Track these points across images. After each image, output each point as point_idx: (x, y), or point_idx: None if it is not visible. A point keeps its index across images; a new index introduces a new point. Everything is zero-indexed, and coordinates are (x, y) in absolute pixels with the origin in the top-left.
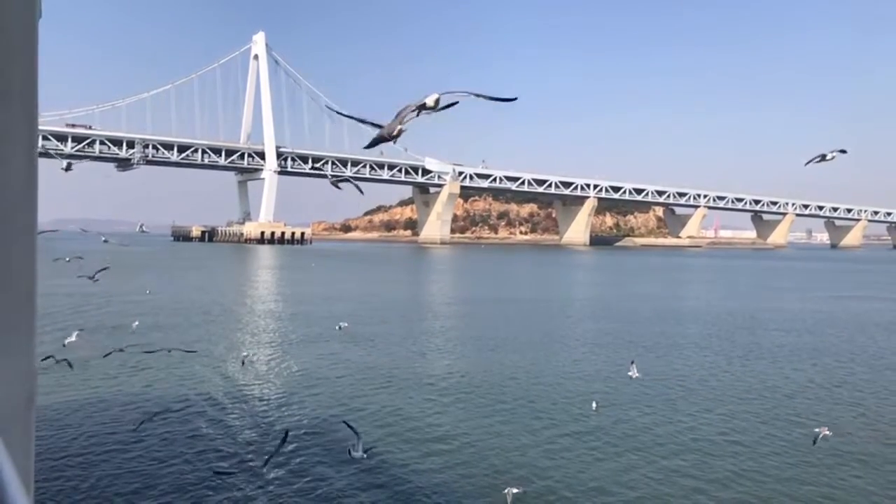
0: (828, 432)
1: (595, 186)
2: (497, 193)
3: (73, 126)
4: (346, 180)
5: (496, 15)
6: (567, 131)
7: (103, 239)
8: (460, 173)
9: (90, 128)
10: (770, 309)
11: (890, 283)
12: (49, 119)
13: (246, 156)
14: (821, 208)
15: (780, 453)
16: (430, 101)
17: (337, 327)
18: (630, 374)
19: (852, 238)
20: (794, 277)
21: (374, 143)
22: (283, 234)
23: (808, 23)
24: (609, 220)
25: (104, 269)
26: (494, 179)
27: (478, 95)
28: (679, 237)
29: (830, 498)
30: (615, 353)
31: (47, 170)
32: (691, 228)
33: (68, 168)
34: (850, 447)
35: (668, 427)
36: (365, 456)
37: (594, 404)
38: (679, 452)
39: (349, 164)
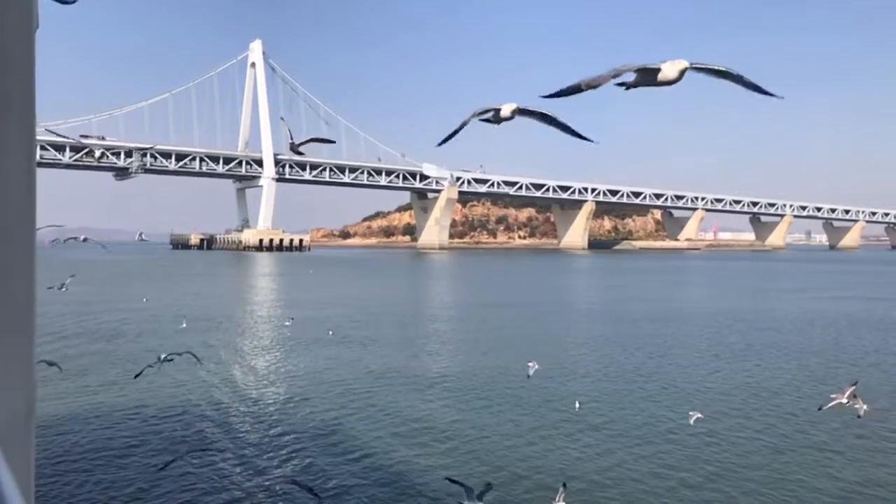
0: (700, 415)
1: (593, 190)
2: (495, 198)
3: (87, 136)
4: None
5: (495, 19)
6: (564, 135)
7: (82, 238)
8: (458, 179)
9: (103, 138)
10: (761, 309)
11: (882, 284)
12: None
13: (244, 163)
14: (819, 209)
15: (761, 450)
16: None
17: (329, 333)
18: (529, 372)
19: (850, 239)
20: (789, 279)
21: (489, 119)
22: (281, 241)
23: (807, 24)
24: (607, 223)
25: (71, 277)
26: (492, 184)
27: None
28: (677, 240)
29: (814, 490)
30: (606, 355)
31: (47, 179)
32: (689, 231)
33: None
34: (830, 443)
35: (652, 426)
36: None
37: (577, 404)
38: (657, 450)
39: (347, 171)
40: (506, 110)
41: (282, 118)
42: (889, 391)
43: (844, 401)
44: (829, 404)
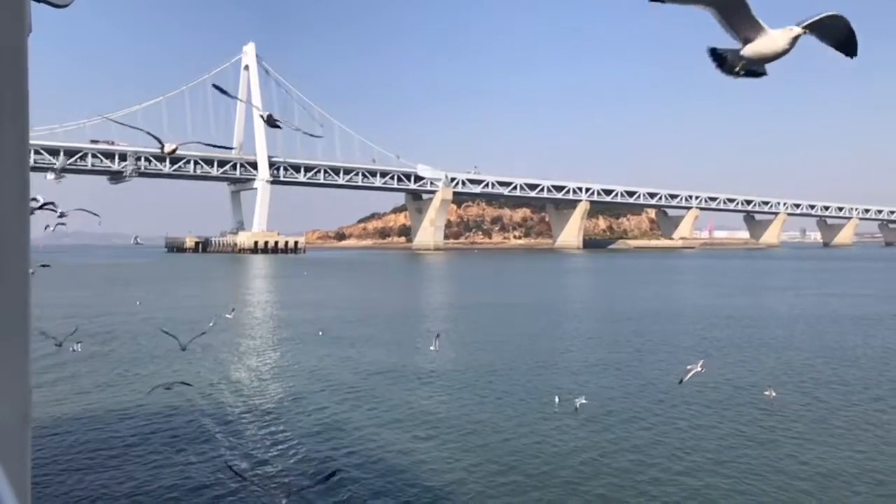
0: (584, 401)
1: (587, 190)
2: (490, 199)
3: (97, 142)
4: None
5: (488, 22)
6: (558, 135)
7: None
8: (452, 179)
9: (113, 143)
10: (747, 306)
11: (870, 280)
12: (40, 133)
13: (238, 166)
14: (812, 207)
15: (742, 443)
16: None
17: (319, 333)
18: (432, 348)
19: (844, 236)
20: (779, 276)
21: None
22: (276, 243)
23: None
24: (602, 222)
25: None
26: (487, 185)
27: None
28: (672, 239)
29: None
30: (592, 352)
31: (41, 184)
32: (684, 230)
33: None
34: (807, 433)
35: (634, 421)
36: None
37: (557, 399)
38: (637, 443)
39: (341, 172)
40: (782, 39)
41: (239, 98)
42: (863, 386)
43: (699, 368)
44: (687, 376)
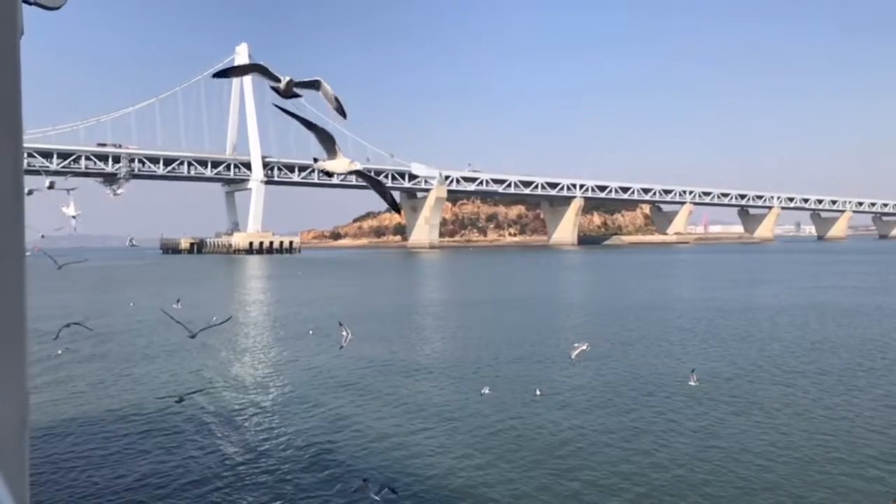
0: (489, 390)
1: (581, 186)
2: (485, 196)
3: (104, 145)
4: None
5: (484, 21)
6: (552, 132)
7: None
8: (447, 177)
9: (120, 146)
10: (736, 299)
11: (859, 273)
12: (33, 136)
13: (232, 167)
14: (806, 201)
15: (720, 434)
16: None
17: (309, 332)
18: (341, 339)
19: (838, 229)
20: (770, 270)
21: None
22: (271, 243)
23: (792, 19)
24: (597, 219)
25: None
26: (481, 182)
27: None
28: (666, 234)
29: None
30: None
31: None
32: (678, 225)
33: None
34: (779, 427)
35: (614, 413)
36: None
37: (538, 391)
38: (621, 436)
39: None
40: None
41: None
42: (839, 374)
43: (585, 347)
44: (574, 353)
